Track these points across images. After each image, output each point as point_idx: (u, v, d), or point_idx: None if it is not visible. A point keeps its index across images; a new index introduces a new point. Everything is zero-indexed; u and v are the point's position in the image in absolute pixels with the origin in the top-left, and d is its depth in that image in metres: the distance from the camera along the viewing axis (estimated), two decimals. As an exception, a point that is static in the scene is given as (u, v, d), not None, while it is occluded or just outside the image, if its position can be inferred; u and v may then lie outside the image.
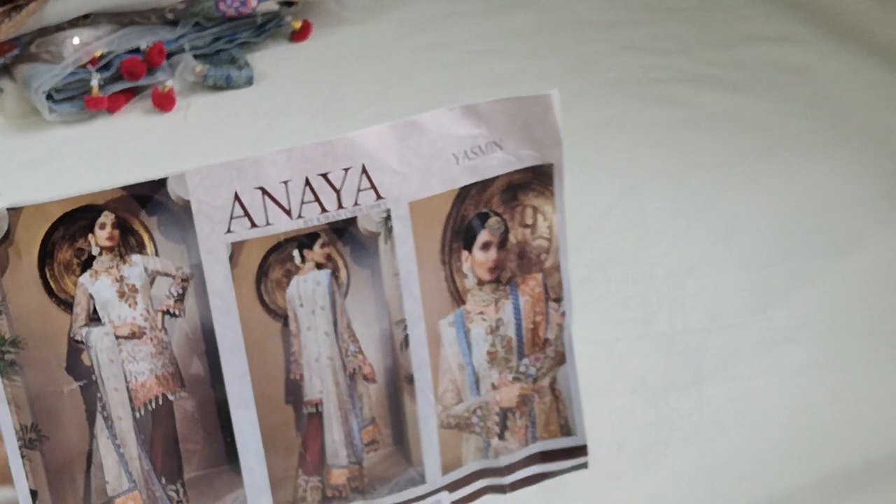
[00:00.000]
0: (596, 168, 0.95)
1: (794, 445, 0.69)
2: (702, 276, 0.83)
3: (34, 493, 0.49)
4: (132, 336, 0.49)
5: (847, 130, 1.00)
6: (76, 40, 1.03)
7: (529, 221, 0.55)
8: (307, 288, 0.51)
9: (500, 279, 0.55)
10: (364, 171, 0.50)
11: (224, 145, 1.00)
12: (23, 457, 0.48)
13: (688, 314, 0.79)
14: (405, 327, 0.52)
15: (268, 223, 0.49)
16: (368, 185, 0.50)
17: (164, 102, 1.04)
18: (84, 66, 1.02)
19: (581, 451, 0.58)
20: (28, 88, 1.01)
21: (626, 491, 0.66)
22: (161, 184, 0.48)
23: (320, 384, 0.52)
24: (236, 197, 0.49)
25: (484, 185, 0.53)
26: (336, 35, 1.18)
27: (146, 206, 0.48)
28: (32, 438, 0.48)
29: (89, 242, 0.48)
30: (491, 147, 0.53)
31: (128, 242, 0.48)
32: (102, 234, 0.48)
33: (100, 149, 0.99)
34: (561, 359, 0.56)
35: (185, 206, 0.48)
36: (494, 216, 0.54)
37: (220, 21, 1.10)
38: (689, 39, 1.16)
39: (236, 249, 0.49)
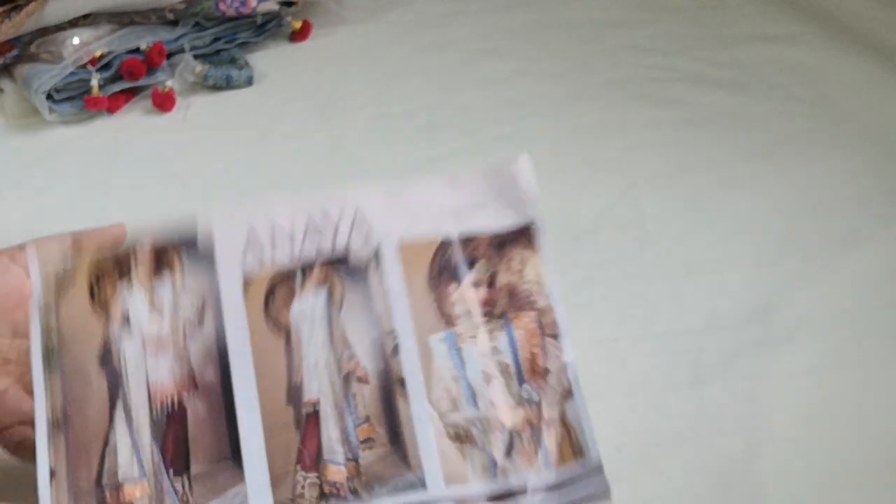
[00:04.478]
0: (596, 168, 0.95)
1: (794, 445, 0.69)
2: (702, 276, 0.83)
3: (52, 472, 0.54)
4: (157, 344, 0.57)
5: (847, 130, 1.00)
6: (76, 40, 1.03)
7: (517, 268, 0.60)
8: (307, 306, 0.58)
9: (493, 313, 0.59)
10: (357, 216, 0.59)
11: (224, 145, 1.00)
12: (49, 436, 0.54)
13: (688, 314, 0.79)
14: (395, 337, 0.57)
15: (275, 257, 0.58)
16: (361, 227, 0.59)
17: (164, 102, 1.04)
18: (84, 66, 1.02)
19: (598, 474, 0.58)
20: (28, 88, 1.01)
21: (626, 491, 0.66)
22: (192, 221, 0.59)
23: (318, 386, 0.56)
24: (250, 234, 0.58)
25: (469, 238, 0.60)
26: (336, 35, 1.18)
27: (177, 237, 0.58)
28: (59, 419, 0.55)
29: (129, 259, 0.58)
30: (475, 210, 0.60)
31: (161, 264, 0.58)
32: (141, 254, 0.58)
33: (100, 149, 0.99)
34: (568, 394, 0.58)
35: (208, 241, 0.58)
36: (482, 260, 0.59)
37: (220, 21, 1.10)
38: (689, 39, 1.16)
39: (248, 282, 0.58)
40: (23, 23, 1.01)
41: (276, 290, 0.58)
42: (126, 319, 0.57)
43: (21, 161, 0.97)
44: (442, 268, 0.58)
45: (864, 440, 0.70)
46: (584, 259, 0.85)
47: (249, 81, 1.08)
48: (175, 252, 0.58)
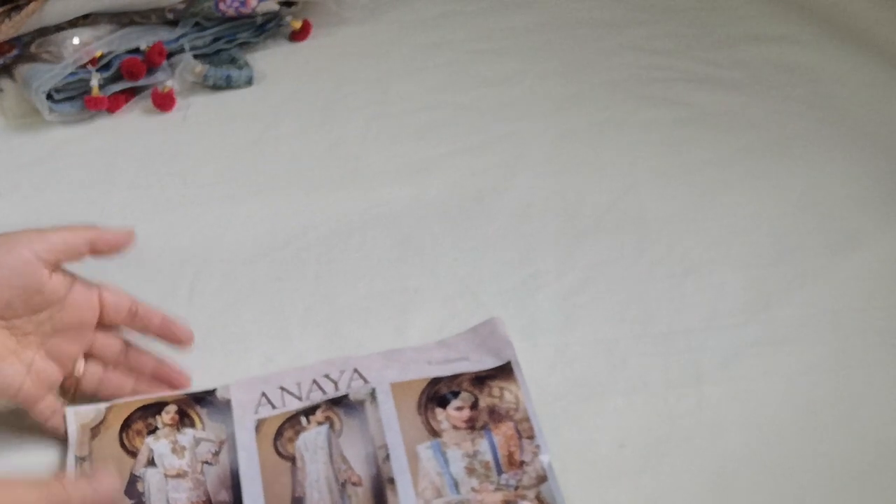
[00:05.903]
0: (596, 168, 0.95)
1: (794, 445, 0.69)
2: (702, 276, 0.83)
3: None
4: (177, 476, 0.67)
5: (847, 130, 1.00)
6: (76, 40, 1.03)
7: (497, 395, 0.69)
8: (310, 437, 0.68)
9: (475, 427, 0.68)
10: (355, 370, 0.71)
11: (224, 145, 1.00)
12: None
13: (688, 314, 0.79)
14: (387, 448, 0.66)
15: (284, 405, 0.70)
16: (359, 377, 0.71)
17: (164, 102, 1.04)
18: (84, 66, 1.02)
19: None
20: (28, 88, 1.01)
21: (626, 491, 0.66)
22: (213, 391, 0.71)
23: (318, 496, 0.65)
24: (263, 394, 0.71)
25: (454, 375, 0.71)
26: (336, 35, 1.18)
27: (200, 402, 0.71)
28: None
29: (157, 419, 0.70)
30: (459, 361, 0.72)
31: (184, 422, 0.70)
32: (167, 416, 0.70)
33: (100, 149, 0.99)
34: (542, 479, 0.64)
35: (227, 402, 0.71)
36: (465, 392, 0.69)
37: (220, 21, 1.10)
38: (689, 39, 1.16)
39: (260, 422, 0.70)
40: (23, 23, 1.01)
41: (284, 430, 0.69)
42: (151, 461, 0.67)
43: (21, 161, 0.97)
44: (430, 398, 0.69)
45: (864, 440, 0.70)
46: (584, 259, 0.85)
47: (249, 81, 1.08)
48: (197, 412, 0.70)
